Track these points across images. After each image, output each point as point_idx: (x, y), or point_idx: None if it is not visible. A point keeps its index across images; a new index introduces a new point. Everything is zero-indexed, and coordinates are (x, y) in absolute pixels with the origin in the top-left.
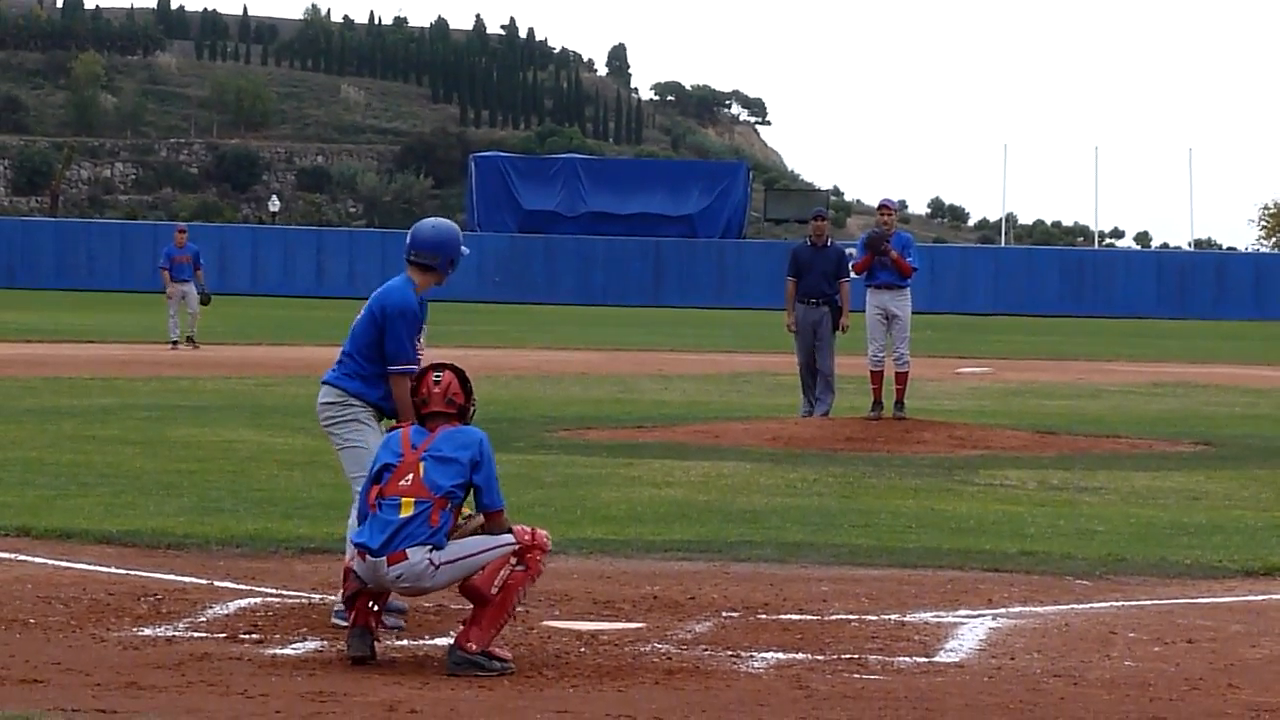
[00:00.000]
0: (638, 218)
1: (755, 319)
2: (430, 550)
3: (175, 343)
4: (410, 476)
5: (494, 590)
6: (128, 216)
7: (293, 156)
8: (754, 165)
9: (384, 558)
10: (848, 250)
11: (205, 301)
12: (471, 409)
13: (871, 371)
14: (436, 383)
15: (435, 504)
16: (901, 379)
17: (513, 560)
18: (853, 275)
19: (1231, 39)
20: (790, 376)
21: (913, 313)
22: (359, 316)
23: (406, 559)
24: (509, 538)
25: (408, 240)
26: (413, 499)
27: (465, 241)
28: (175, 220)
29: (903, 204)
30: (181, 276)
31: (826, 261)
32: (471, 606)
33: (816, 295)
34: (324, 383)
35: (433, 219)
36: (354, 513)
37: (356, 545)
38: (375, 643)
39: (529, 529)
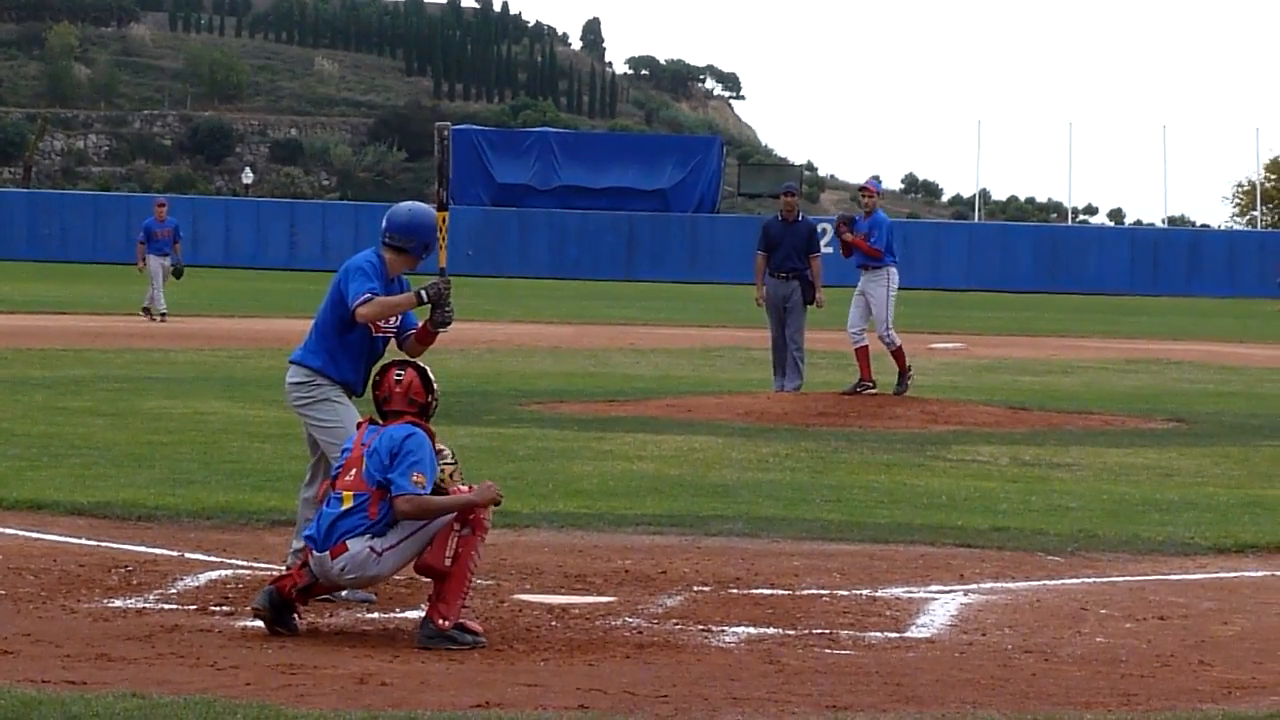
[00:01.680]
0: (611, 191)
1: (728, 293)
2: (370, 539)
3: (164, 315)
4: (354, 471)
5: (448, 561)
6: (101, 188)
7: (266, 129)
8: (728, 140)
9: (327, 552)
10: (820, 226)
11: (178, 275)
12: (433, 405)
13: (853, 349)
14: (398, 381)
15: (373, 496)
16: (894, 357)
17: (457, 526)
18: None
19: (1206, 16)
20: (762, 351)
21: (898, 289)
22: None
23: (347, 550)
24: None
25: (384, 222)
26: (352, 493)
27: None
28: (149, 192)
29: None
30: (160, 250)
31: (797, 236)
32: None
33: (787, 270)
34: (291, 361)
35: (410, 203)
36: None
37: (305, 540)
38: (292, 617)
39: (465, 488)
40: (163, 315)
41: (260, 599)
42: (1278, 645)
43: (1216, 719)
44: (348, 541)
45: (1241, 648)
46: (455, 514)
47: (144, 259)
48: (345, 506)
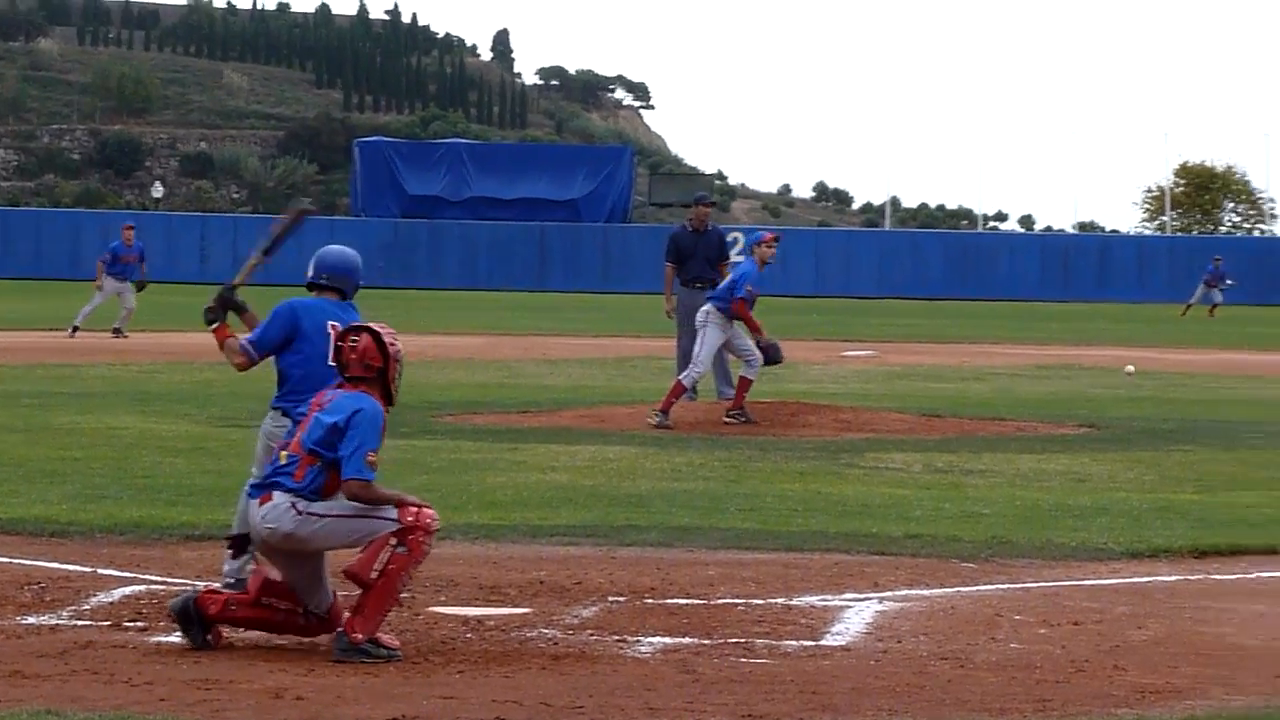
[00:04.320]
0: (522, 202)
1: (640, 303)
2: (295, 498)
3: (76, 328)
4: (299, 435)
5: (374, 575)
6: (9, 203)
7: (176, 142)
8: (638, 149)
9: (257, 499)
10: (731, 235)
11: (139, 289)
12: (394, 371)
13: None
14: (353, 347)
15: (303, 460)
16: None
17: (393, 542)
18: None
19: (1112, 22)
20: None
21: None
22: None
23: (272, 500)
24: (392, 514)
25: (313, 264)
26: (288, 453)
27: (350, 227)
28: (58, 207)
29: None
30: (123, 274)
31: (708, 246)
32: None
33: (700, 279)
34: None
35: (339, 246)
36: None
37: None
38: (199, 630)
39: (414, 509)
40: (75, 329)
41: (176, 601)
42: (1191, 649)
43: None
44: (274, 493)
45: (1156, 652)
46: (395, 526)
47: (101, 277)
48: (282, 463)
